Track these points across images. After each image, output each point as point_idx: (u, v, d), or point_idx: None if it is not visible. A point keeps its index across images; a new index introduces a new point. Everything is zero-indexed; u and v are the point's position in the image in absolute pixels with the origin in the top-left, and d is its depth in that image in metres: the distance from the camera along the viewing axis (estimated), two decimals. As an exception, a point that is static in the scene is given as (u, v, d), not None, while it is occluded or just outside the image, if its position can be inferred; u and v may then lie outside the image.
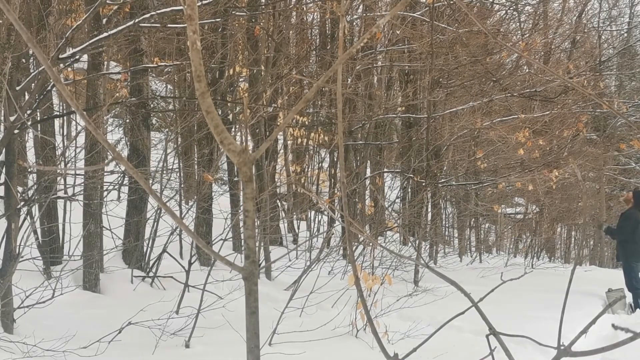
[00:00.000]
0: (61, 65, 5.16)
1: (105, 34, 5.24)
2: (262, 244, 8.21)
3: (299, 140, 12.32)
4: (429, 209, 13.05)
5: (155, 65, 7.88)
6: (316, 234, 11.31)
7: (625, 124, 20.30)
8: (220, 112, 8.55)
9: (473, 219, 16.31)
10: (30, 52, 5.85)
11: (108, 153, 6.82)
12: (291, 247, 10.17)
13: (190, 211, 8.41)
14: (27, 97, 5.41)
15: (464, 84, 12.17)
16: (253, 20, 9.17)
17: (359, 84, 11.67)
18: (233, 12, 7.83)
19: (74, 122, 11.37)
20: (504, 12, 17.07)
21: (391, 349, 1.59)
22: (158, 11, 5.46)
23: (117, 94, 9.83)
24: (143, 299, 6.10)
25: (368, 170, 13.43)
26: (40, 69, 4.80)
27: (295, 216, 12.37)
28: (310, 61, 12.80)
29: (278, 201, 11.30)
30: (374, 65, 12.22)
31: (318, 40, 12.94)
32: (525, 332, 1.93)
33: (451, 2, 11.00)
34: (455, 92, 12.81)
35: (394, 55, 12.59)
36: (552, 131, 12.81)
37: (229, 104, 8.83)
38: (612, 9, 24.01)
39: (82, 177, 6.73)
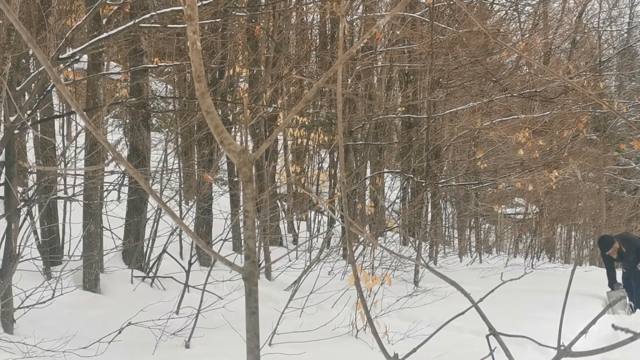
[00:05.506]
0: (61, 65, 5.16)
1: (105, 34, 5.24)
2: (262, 244, 8.20)
3: (299, 140, 12.31)
4: (429, 209, 13.05)
5: (155, 65, 7.88)
6: (316, 234, 11.30)
7: (625, 124, 20.30)
8: (220, 113, 8.54)
9: (473, 219, 16.29)
10: (30, 52, 5.85)
11: (108, 153, 6.82)
12: (291, 247, 10.16)
13: (190, 211, 8.40)
14: (27, 97, 5.41)
15: (464, 84, 12.16)
16: (253, 20, 9.16)
17: (359, 84, 11.66)
18: (233, 12, 7.82)
19: (74, 122, 11.36)
20: (504, 12, 17.07)
21: (391, 349, 1.59)
22: (158, 11, 5.46)
23: (117, 94, 9.85)
24: (143, 299, 6.09)
25: (368, 171, 13.42)
26: (40, 69, 4.80)
27: (295, 216, 12.37)
28: (310, 61, 12.80)
29: (278, 201, 11.29)
30: (374, 65, 12.21)
31: (318, 40, 12.93)
32: (525, 332, 1.93)
33: (451, 2, 11.00)
34: (455, 93, 12.80)
35: (394, 55, 12.58)
36: (552, 131, 12.82)
37: (229, 104, 8.83)
38: (612, 9, 24.01)
39: (82, 177, 6.72)
